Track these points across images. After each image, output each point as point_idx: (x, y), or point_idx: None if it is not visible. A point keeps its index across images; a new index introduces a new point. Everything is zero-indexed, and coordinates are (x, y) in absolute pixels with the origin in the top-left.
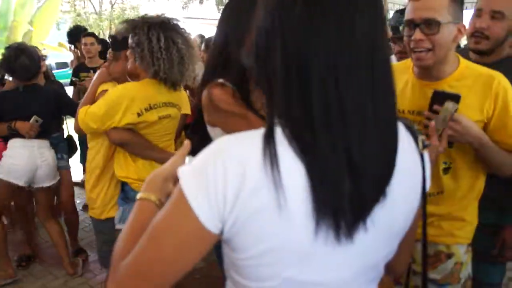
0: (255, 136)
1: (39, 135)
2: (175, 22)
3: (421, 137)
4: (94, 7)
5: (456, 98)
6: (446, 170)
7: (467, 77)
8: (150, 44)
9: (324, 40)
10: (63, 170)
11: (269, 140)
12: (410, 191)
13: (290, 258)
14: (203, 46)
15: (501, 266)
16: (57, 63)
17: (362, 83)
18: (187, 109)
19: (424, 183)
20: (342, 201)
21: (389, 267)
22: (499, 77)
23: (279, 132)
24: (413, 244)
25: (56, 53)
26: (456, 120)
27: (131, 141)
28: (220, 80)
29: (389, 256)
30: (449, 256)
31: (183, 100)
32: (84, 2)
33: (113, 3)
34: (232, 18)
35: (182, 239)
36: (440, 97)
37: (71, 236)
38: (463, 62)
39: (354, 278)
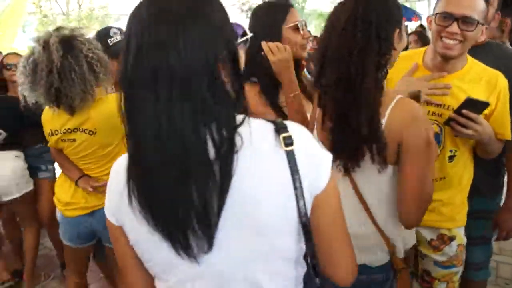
0: None
1: (3, 147)
2: (75, 40)
3: (282, 136)
4: (61, 8)
5: (484, 105)
6: (451, 158)
7: (473, 73)
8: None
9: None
10: (44, 180)
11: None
12: (275, 188)
13: (153, 247)
14: None
15: (487, 246)
16: None
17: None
18: None
19: (298, 177)
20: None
21: (326, 271)
22: (500, 75)
23: None
24: (346, 245)
25: None
26: (479, 122)
27: (54, 156)
28: (254, 79)
29: (286, 250)
30: (452, 238)
31: (99, 119)
32: (50, 2)
33: (80, 3)
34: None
35: (114, 238)
36: (471, 103)
37: (58, 248)
38: (469, 58)
39: (234, 268)
